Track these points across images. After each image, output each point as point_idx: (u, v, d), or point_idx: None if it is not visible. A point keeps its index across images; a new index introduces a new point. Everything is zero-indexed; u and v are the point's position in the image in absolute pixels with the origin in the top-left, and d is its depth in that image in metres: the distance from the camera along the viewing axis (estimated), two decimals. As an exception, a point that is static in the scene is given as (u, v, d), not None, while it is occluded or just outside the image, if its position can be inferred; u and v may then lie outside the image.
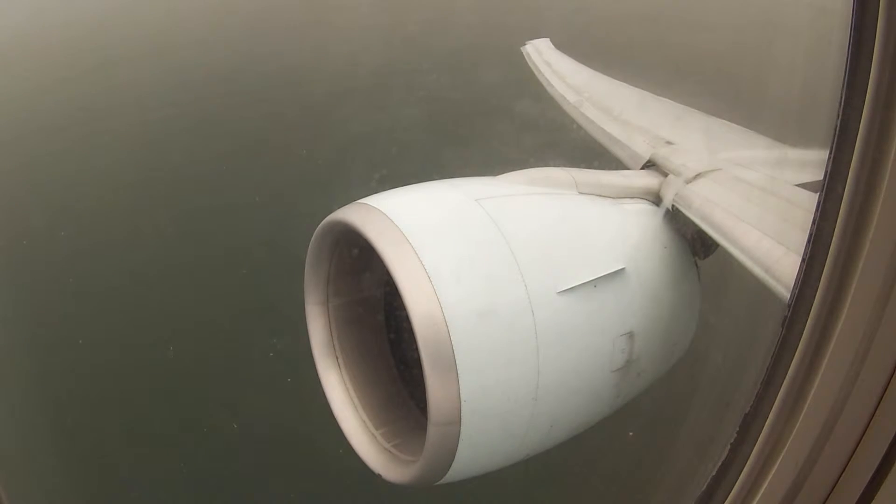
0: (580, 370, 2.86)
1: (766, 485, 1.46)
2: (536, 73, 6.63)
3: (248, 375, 9.10)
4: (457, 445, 2.58)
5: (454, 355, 2.47)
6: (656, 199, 3.54)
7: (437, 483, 2.82)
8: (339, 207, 2.95)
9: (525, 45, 7.19)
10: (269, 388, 8.51)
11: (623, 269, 2.92)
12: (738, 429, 1.54)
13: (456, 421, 2.52)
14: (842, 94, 1.22)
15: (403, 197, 3.00)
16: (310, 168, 13.90)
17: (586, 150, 4.90)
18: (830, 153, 1.28)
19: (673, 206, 3.40)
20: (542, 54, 6.81)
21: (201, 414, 8.73)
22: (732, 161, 3.74)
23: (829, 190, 1.30)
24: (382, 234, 2.65)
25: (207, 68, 21.36)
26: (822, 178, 1.33)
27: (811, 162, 3.84)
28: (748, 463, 1.50)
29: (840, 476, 1.33)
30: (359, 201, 2.91)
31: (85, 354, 9.93)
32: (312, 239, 3.12)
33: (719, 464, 1.60)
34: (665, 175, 3.69)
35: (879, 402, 1.24)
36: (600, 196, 3.38)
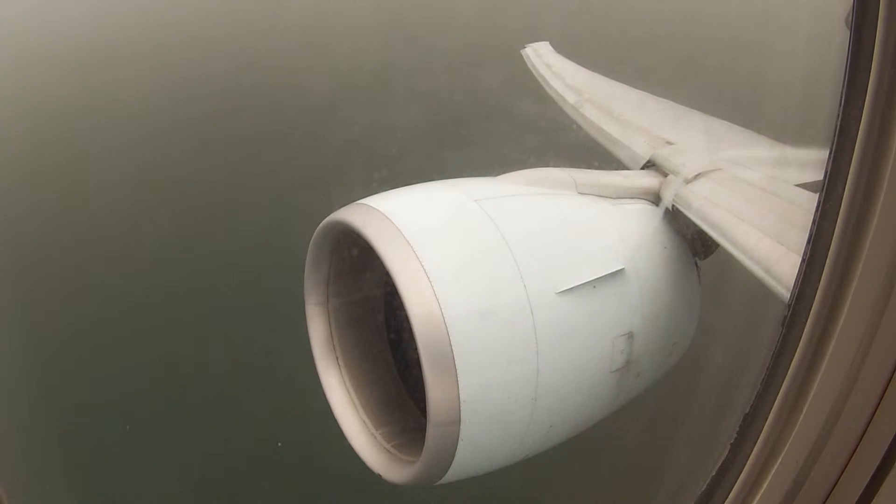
0: (580, 370, 2.86)
1: (766, 485, 1.46)
2: (536, 74, 6.62)
3: (248, 375, 9.10)
4: (456, 445, 2.59)
5: (453, 355, 2.48)
6: (656, 200, 3.54)
7: (437, 483, 2.82)
8: (338, 208, 2.95)
9: (525, 47, 7.19)
10: (269, 388, 8.51)
11: (623, 270, 2.92)
12: (738, 429, 1.54)
13: (455, 421, 2.52)
14: (842, 94, 1.22)
15: (403, 197, 3.00)
16: (310, 168, 13.90)
17: (586, 151, 4.90)
18: (830, 153, 1.28)
19: (673, 206, 3.40)
20: (542, 57, 6.81)
21: (201, 414, 8.73)
22: (732, 161, 3.74)
23: (829, 190, 1.29)
24: (382, 234, 2.66)
25: (207, 68, 21.36)
26: (822, 178, 1.33)
27: (811, 162, 3.83)
28: (748, 463, 1.50)
29: (840, 476, 1.33)
30: (358, 202, 2.91)
31: (85, 354, 9.93)
32: (312, 239, 3.12)
33: (719, 464, 1.60)
34: (665, 175, 3.69)
35: (879, 402, 1.24)
36: (600, 196, 3.38)
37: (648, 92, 5.57)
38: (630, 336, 2.95)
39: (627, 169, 4.12)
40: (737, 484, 1.53)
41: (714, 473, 1.61)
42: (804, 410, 1.37)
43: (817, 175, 1.43)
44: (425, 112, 14.57)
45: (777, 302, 2.58)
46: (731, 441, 1.56)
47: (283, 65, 20.88)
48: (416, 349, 2.50)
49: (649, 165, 3.92)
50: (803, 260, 1.40)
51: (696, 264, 3.46)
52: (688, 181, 3.50)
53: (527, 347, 2.62)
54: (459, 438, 2.56)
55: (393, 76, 17.59)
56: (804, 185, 3.36)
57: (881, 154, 1.16)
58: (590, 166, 3.64)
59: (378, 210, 2.77)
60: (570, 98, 5.67)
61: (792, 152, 4.27)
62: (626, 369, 2.99)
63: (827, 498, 1.35)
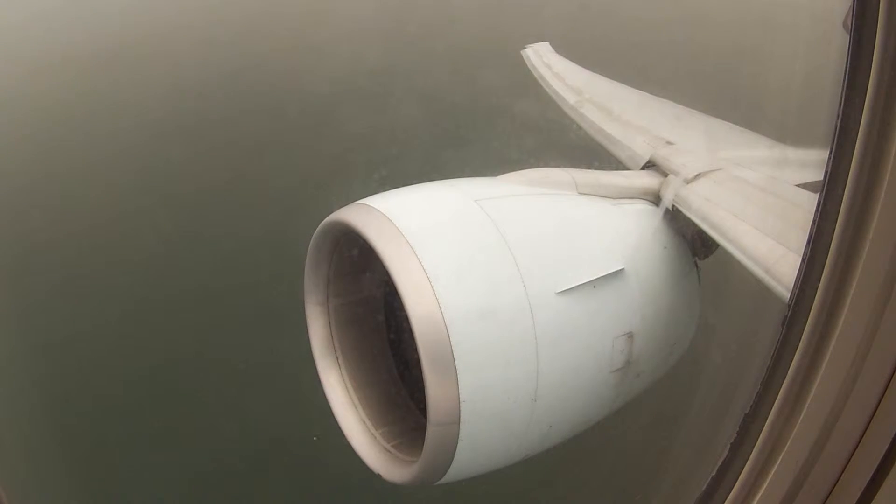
0: (579, 371, 2.86)
1: (766, 485, 1.46)
2: (536, 75, 6.63)
3: (249, 375, 9.09)
4: (456, 445, 2.59)
5: (453, 356, 2.48)
6: (656, 200, 3.54)
7: (437, 483, 2.82)
8: (338, 208, 2.95)
9: (525, 48, 7.19)
10: (269, 388, 8.51)
11: (622, 270, 2.92)
12: (738, 429, 1.54)
13: (455, 421, 2.52)
14: (842, 94, 1.22)
15: (403, 197, 3.01)
16: (310, 168, 13.91)
17: (586, 151, 4.90)
18: (830, 153, 1.28)
19: (673, 206, 3.40)
20: (543, 57, 6.81)
21: (201, 414, 8.72)
22: (732, 161, 3.74)
23: (829, 190, 1.30)
24: (382, 234, 2.66)
25: (207, 68, 21.36)
26: (822, 178, 1.33)
27: (811, 162, 3.84)
28: (748, 463, 1.50)
29: (840, 476, 1.33)
30: (359, 202, 2.91)
31: (85, 354, 9.93)
32: (312, 239, 3.12)
33: (719, 464, 1.60)
34: (665, 175, 3.69)
35: (879, 402, 1.24)
36: (600, 196, 3.38)
37: (648, 92, 5.58)
38: (630, 336, 2.95)
39: (627, 169, 4.12)
40: (737, 484, 1.53)
41: (714, 473, 1.61)
42: (804, 410, 1.37)
43: (817, 175, 1.43)
44: (425, 112, 14.57)
45: (777, 302, 2.58)
46: (731, 441, 1.56)
47: (284, 65, 20.88)
48: (416, 349, 2.51)
49: (649, 165, 3.93)
50: (803, 260, 1.40)
51: (696, 264, 3.47)
52: (688, 181, 3.50)
53: (527, 347, 2.62)
54: (459, 438, 2.57)
55: (393, 76, 17.59)
56: (804, 185, 3.36)
57: (881, 154, 1.16)
58: (590, 166, 3.64)
59: (378, 210, 2.77)
60: (571, 98, 5.67)
61: (792, 152, 4.27)
62: (626, 369, 2.99)
63: (827, 498, 1.35)
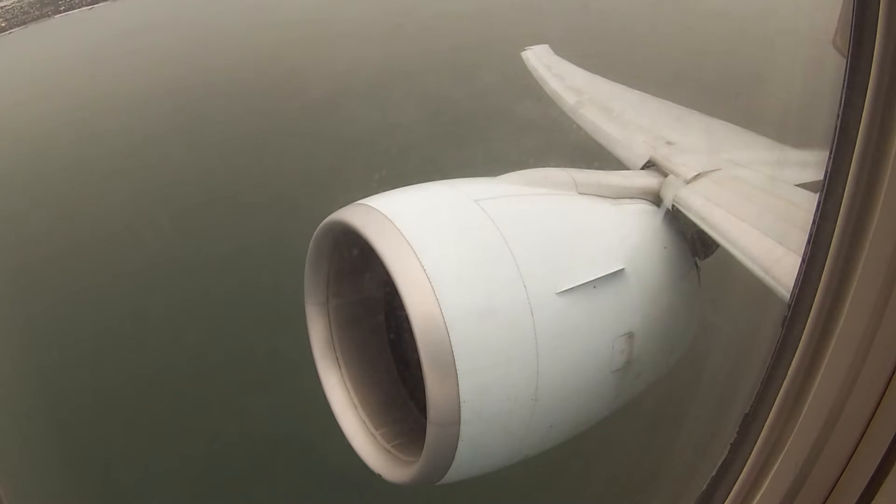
0: (580, 371, 2.86)
1: (766, 485, 1.46)
2: (536, 76, 6.62)
3: (249, 375, 9.09)
4: (456, 446, 2.59)
5: (453, 356, 2.48)
6: (656, 200, 3.54)
7: (437, 483, 2.82)
8: (339, 208, 2.96)
9: (525, 50, 7.18)
10: (269, 388, 8.51)
11: (623, 270, 2.92)
12: (738, 429, 1.54)
13: (455, 421, 2.52)
14: (842, 94, 1.22)
15: (403, 198, 3.01)
16: (310, 168, 13.92)
17: (586, 151, 4.90)
18: (830, 153, 1.28)
19: (673, 206, 3.40)
20: (542, 59, 6.80)
21: (201, 414, 8.73)
22: (732, 161, 3.74)
23: (829, 190, 1.29)
24: (382, 234, 2.66)
25: (208, 68, 21.36)
26: (822, 178, 1.33)
27: (811, 162, 3.83)
28: (748, 463, 1.50)
29: (840, 476, 1.32)
30: (359, 202, 2.91)
31: (85, 354, 9.93)
32: (312, 239, 3.12)
33: (719, 464, 1.60)
34: (665, 175, 3.68)
35: (879, 402, 1.24)
36: (600, 196, 3.38)
37: (648, 93, 5.57)
38: (630, 336, 2.95)
39: (627, 169, 4.11)
40: (737, 484, 1.53)
41: (714, 473, 1.61)
42: (804, 410, 1.37)
43: (817, 175, 1.43)
44: (425, 112, 14.58)
45: (777, 302, 2.58)
46: (731, 441, 1.56)
47: (284, 65, 20.88)
48: (416, 349, 2.51)
49: (649, 165, 3.92)
50: (803, 260, 1.40)
51: (696, 264, 3.46)
52: (688, 181, 3.50)
53: (527, 348, 2.62)
54: (459, 439, 2.57)
55: (393, 76, 17.60)
56: (804, 185, 3.35)
57: (881, 154, 1.16)
58: (590, 166, 3.64)
59: (378, 210, 2.77)
60: (570, 99, 5.67)
61: (792, 152, 4.27)
62: (627, 369, 2.99)
63: (827, 498, 1.35)
